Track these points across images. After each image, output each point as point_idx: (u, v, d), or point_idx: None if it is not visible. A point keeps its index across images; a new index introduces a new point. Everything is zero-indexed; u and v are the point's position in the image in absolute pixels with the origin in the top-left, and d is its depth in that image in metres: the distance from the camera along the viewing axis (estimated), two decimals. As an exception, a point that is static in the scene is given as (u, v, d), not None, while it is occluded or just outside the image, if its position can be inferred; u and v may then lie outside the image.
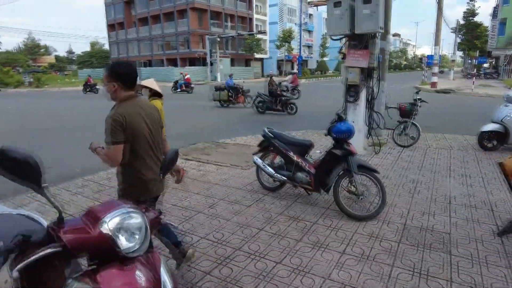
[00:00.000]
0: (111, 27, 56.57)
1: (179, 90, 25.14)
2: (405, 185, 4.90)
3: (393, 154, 6.71)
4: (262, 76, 55.67)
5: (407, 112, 7.49)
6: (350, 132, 3.85)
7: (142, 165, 2.35)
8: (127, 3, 53.00)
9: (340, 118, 3.94)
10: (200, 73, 43.84)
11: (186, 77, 25.62)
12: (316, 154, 5.56)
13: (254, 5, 54.80)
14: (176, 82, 26.01)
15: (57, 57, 71.97)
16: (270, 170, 4.44)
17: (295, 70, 22.27)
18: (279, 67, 61.14)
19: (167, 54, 50.08)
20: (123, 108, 2.25)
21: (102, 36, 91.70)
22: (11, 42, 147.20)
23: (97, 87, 26.06)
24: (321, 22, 70.01)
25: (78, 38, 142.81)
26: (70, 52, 76.04)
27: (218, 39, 41.68)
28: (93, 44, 71.60)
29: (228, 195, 4.60)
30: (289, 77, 19.91)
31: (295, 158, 4.26)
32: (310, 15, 67.42)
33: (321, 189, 4.07)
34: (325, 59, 64.26)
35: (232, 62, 50.09)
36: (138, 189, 2.38)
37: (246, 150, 6.98)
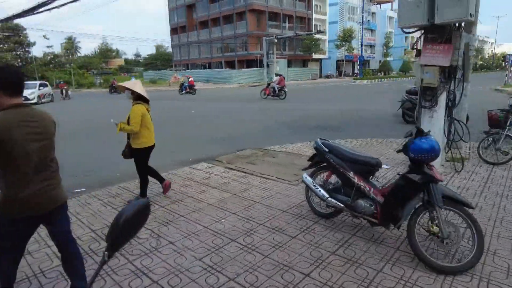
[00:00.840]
0: (173, 30, 59.14)
1: (184, 92, 26.81)
2: (505, 221, 3.69)
3: (480, 174, 5.38)
4: (320, 77, 54.04)
5: (498, 121, 6.07)
6: (434, 152, 2.83)
7: (20, 180, 2.07)
8: (189, 7, 54.93)
9: (420, 132, 2.94)
10: (256, 75, 43.73)
11: (190, 79, 27.65)
12: (383, 169, 4.55)
13: (313, 5, 53.32)
14: (182, 85, 27.91)
15: (126, 60, 77.48)
16: (323, 192, 3.58)
17: (281, 73, 24.71)
18: (338, 68, 58.90)
19: (226, 56, 50.87)
20: (7, 116, 2.00)
21: (163, 39, 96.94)
22: (89, 47, 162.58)
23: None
24: (384, 20, 66.14)
25: (145, 41, 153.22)
26: (137, 55, 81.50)
27: (276, 40, 41.13)
28: (158, 48, 75.87)
29: (270, 219, 3.83)
30: (276, 78, 21.11)
31: (355, 180, 3.35)
32: (373, 13, 63.94)
33: (391, 224, 3.12)
34: (388, 59, 60.51)
35: (289, 63, 49.29)
36: (12, 207, 2.08)
37: (297, 161, 6.16)
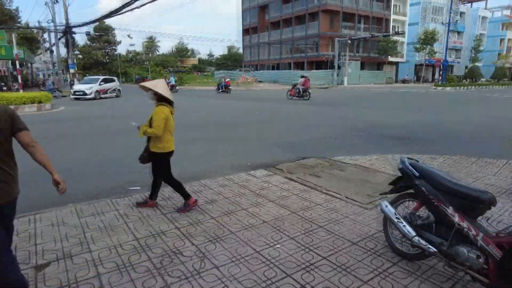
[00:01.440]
0: (245, 31, 60.19)
1: (220, 90, 28.93)
2: None
3: None
4: (396, 81, 50.46)
5: None
6: None
7: None
8: (262, 8, 55.36)
9: None
10: (325, 77, 42.31)
11: (226, 80, 30.12)
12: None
13: (392, 5, 49.89)
14: (218, 84, 29.99)
15: (199, 59, 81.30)
16: (408, 229, 2.78)
17: (306, 75, 24.13)
18: (416, 72, 54.39)
19: (295, 57, 50.19)
20: None
21: (235, 40, 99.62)
22: (167, 46, 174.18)
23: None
24: (475, 21, 59.32)
25: (218, 42, 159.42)
26: (210, 55, 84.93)
27: (349, 41, 39.30)
28: (230, 48, 78.12)
29: (335, 252, 3.14)
30: (301, 80, 22.02)
31: (456, 218, 2.50)
32: (462, 13, 57.59)
33: (511, 290, 2.22)
34: (477, 64, 54.21)
35: (362, 66, 46.89)
36: None
37: (371, 177, 5.30)
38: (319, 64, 46.15)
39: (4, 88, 26.82)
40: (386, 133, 9.78)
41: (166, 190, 4.73)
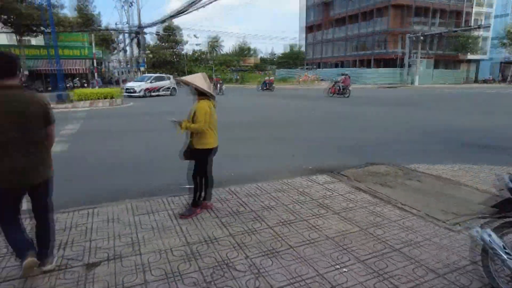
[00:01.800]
0: (308, 29, 59.01)
1: (264, 88, 29.48)
2: None
3: None
4: (476, 81, 45.50)
5: None
6: None
7: None
8: (326, 5, 53.76)
9: None
10: (393, 75, 39.67)
11: (271, 77, 31.37)
12: None
13: (475, -4, 44.99)
14: (263, 82, 30.67)
15: (261, 58, 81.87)
16: (524, 269, 2.12)
17: (347, 73, 25.09)
18: (502, 71, 48.37)
19: (360, 55, 47.91)
20: None
21: (295, 37, 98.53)
22: (230, 45, 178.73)
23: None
24: None
25: (279, 40, 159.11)
26: (272, 53, 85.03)
27: (421, 38, 36.29)
28: (292, 46, 77.28)
29: (417, 285, 2.55)
30: (341, 77, 22.78)
31: None
32: None
33: None
34: None
35: (436, 64, 43.07)
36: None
37: (455, 192, 4.50)
38: (386, 62, 43.42)
39: (85, 85, 29.56)
40: (467, 139, 8.54)
41: (221, 191, 4.49)
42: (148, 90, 23.01)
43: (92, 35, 33.17)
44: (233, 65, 63.53)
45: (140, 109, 15.95)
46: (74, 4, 37.73)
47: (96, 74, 23.81)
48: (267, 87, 29.43)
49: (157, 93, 23.57)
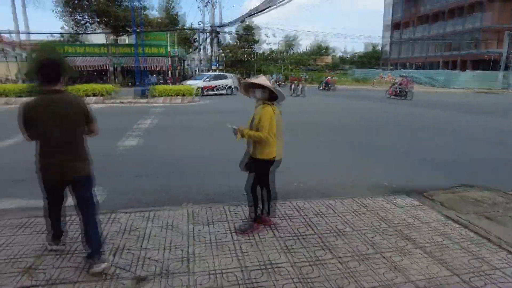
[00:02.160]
0: (389, 27, 55.27)
1: (325, 87, 29.53)
2: None
3: None
4: None
5: None
6: None
7: (41, 150, 2.56)
8: (409, 2, 49.78)
9: None
10: (486, 79, 35.00)
11: (327, 78, 31.20)
12: None
13: None
14: (321, 82, 31.17)
15: (334, 57, 79.28)
16: None
17: (405, 74, 24.13)
18: None
19: (445, 55, 43.41)
20: (32, 101, 2.51)
21: (373, 36, 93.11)
22: (304, 44, 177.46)
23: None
24: None
25: (356, 39, 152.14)
26: (346, 52, 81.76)
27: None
28: (374, 45, 72.94)
29: None
30: (399, 79, 23.06)
31: None
32: None
33: None
34: None
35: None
36: (44, 170, 2.58)
37: None
38: (477, 64, 38.55)
39: (161, 81, 31.49)
40: None
41: (285, 206, 4.04)
42: (205, 88, 22.74)
43: (174, 34, 35.17)
44: (309, 64, 62.55)
45: (210, 107, 16.27)
46: (162, 5, 40.51)
47: (170, 72, 25.07)
48: (327, 86, 29.44)
49: (214, 92, 23.18)
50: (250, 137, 3.22)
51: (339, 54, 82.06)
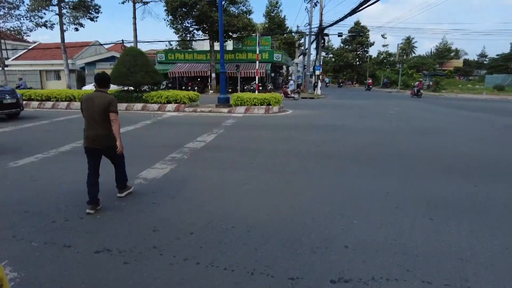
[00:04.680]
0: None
1: (416, 94, 29.14)
2: None
3: None
4: None
5: None
6: None
7: (85, 126, 4.18)
8: None
9: None
10: None
11: (417, 82, 31.15)
12: None
13: None
14: (413, 87, 30.72)
15: (465, 61, 66.78)
16: None
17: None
18: None
19: None
20: (86, 95, 4.19)
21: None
22: (426, 47, 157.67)
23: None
24: None
25: (494, 37, 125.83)
26: (483, 55, 67.89)
27: None
28: (519, 46, 59.07)
29: None
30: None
31: None
32: None
33: None
34: None
35: None
36: (85, 139, 4.18)
37: None
38: None
39: (260, 87, 30.07)
40: None
41: None
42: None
43: (279, 39, 33.57)
44: (426, 69, 54.03)
45: (298, 119, 13.45)
46: (263, 10, 39.76)
47: (257, 78, 23.18)
48: (415, 92, 29.26)
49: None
50: None
51: (473, 57, 68.88)
